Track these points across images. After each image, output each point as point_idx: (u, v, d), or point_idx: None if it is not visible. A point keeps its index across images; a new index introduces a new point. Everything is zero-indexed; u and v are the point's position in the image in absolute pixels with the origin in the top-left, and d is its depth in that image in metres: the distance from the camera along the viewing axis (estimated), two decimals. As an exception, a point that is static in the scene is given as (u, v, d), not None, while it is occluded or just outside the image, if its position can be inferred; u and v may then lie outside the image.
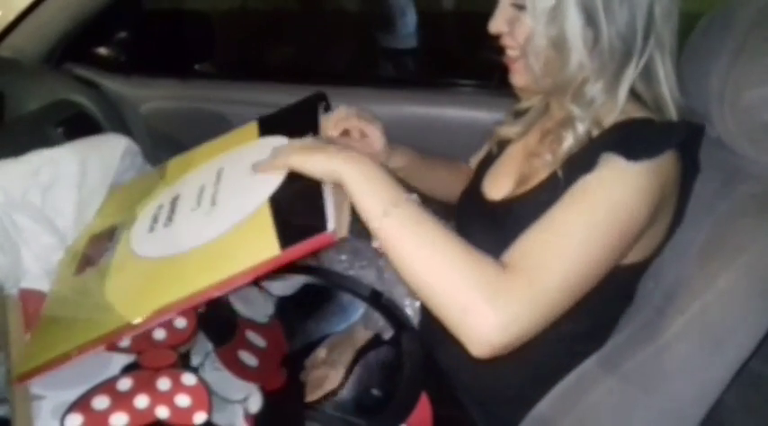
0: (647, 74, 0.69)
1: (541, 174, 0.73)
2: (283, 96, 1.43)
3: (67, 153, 0.93)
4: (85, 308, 0.73)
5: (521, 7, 0.69)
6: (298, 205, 0.68)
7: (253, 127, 0.91)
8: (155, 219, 0.81)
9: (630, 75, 0.68)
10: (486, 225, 0.80)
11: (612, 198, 0.63)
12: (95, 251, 0.84)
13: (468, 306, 0.58)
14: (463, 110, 1.32)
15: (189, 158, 0.94)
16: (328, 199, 0.66)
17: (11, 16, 1.37)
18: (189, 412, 0.64)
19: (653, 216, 0.66)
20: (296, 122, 0.85)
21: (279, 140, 0.82)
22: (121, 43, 1.54)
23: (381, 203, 0.63)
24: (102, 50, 1.53)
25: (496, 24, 0.73)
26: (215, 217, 0.74)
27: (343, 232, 0.65)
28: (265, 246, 0.64)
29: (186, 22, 1.68)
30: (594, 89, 0.69)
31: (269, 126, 0.89)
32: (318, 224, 0.63)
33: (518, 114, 0.86)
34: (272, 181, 0.73)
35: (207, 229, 0.72)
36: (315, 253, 0.66)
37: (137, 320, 0.65)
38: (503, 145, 0.88)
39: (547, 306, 0.61)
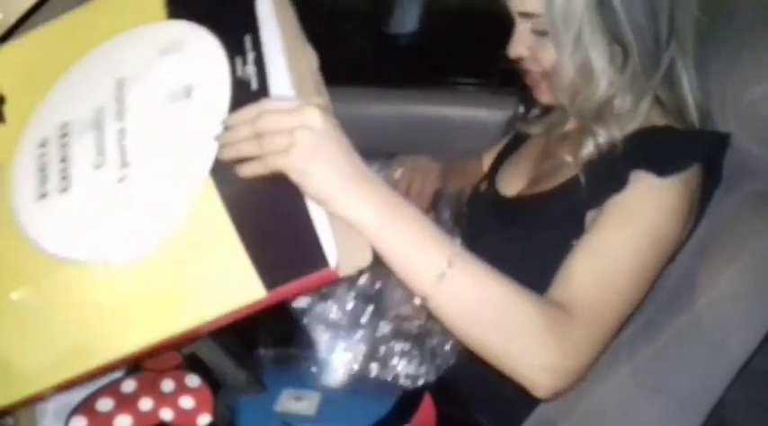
0: (669, 78, 0.68)
1: (559, 177, 0.73)
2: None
3: None
4: None
5: (542, 33, 0.67)
6: (277, 220, 0.51)
7: None
8: (42, 171, 0.56)
9: (656, 82, 0.67)
10: (499, 220, 0.79)
11: (655, 221, 0.63)
12: None
13: (542, 364, 0.57)
14: (464, 109, 1.33)
15: (58, 26, 0.64)
16: (317, 213, 0.50)
17: (12, 19, 1.36)
18: (193, 414, 0.64)
19: (686, 229, 0.67)
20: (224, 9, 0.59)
21: (201, 35, 0.57)
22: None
23: (434, 264, 0.53)
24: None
25: (516, 50, 0.71)
26: (135, 196, 0.53)
27: (360, 262, 0.52)
28: (243, 283, 0.49)
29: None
30: (624, 104, 0.67)
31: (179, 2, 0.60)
32: (314, 254, 0.48)
33: (542, 111, 0.85)
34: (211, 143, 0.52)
35: (131, 220, 0.52)
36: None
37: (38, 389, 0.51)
38: (520, 140, 0.88)
39: (607, 338, 0.62)
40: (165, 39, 0.58)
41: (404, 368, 0.66)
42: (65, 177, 0.55)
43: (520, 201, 0.78)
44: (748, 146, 0.69)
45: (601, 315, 0.60)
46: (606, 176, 0.66)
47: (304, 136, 0.48)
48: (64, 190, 0.54)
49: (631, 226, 0.63)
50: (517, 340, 0.56)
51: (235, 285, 0.49)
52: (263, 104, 0.50)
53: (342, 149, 0.50)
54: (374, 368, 0.66)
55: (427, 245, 0.53)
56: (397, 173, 0.95)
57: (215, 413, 0.65)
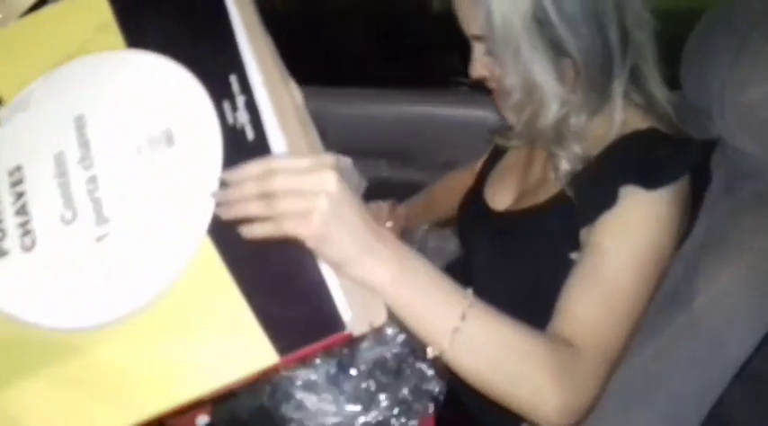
0: (635, 80, 0.68)
1: (547, 190, 0.72)
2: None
3: None
4: None
5: (491, 53, 0.67)
6: (287, 281, 0.47)
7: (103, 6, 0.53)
8: None
9: (618, 91, 0.66)
10: (491, 236, 0.79)
11: (649, 234, 0.63)
12: None
13: (555, 405, 0.56)
14: (462, 110, 1.33)
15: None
16: (329, 273, 0.47)
17: (12, 19, 1.36)
18: (191, 414, 0.64)
19: (680, 233, 0.67)
20: (198, 40, 0.51)
21: (171, 69, 0.50)
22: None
23: (447, 319, 0.52)
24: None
25: (476, 71, 0.71)
26: (120, 257, 0.46)
27: (375, 320, 0.49)
28: (253, 348, 0.45)
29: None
30: (579, 121, 0.67)
31: (138, 27, 0.52)
32: (329, 316, 0.45)
33: None
34: (203, 195, 0.47)
35: (118, 284, 0.46)
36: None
37: None
38: (505, 148, 0.87)
39: (614, 362, 0.62)
40: (128, 72, 0.51)
41: (385, 419, 0.67)
42: (27, 232, 0.48)
43: (511, 216, 0.77)
44: (747, 147, 0.69)
45: (608, 344, 0.61)
46: (595, 192, 0.65)
47: (323, 202, 0.45)
48: (28, 248, 0.47)
49: (627, 245, 0.63)
50: (530, 384, 0.56)
51: (244, 351, 0.45)
52: (271, 162, 0.47)
53: (357, 212, 0.48)
54: (360, 421, 0.66)
55: (439, 300, 0.53)
56: None
57: (213, 414, 0.65)
